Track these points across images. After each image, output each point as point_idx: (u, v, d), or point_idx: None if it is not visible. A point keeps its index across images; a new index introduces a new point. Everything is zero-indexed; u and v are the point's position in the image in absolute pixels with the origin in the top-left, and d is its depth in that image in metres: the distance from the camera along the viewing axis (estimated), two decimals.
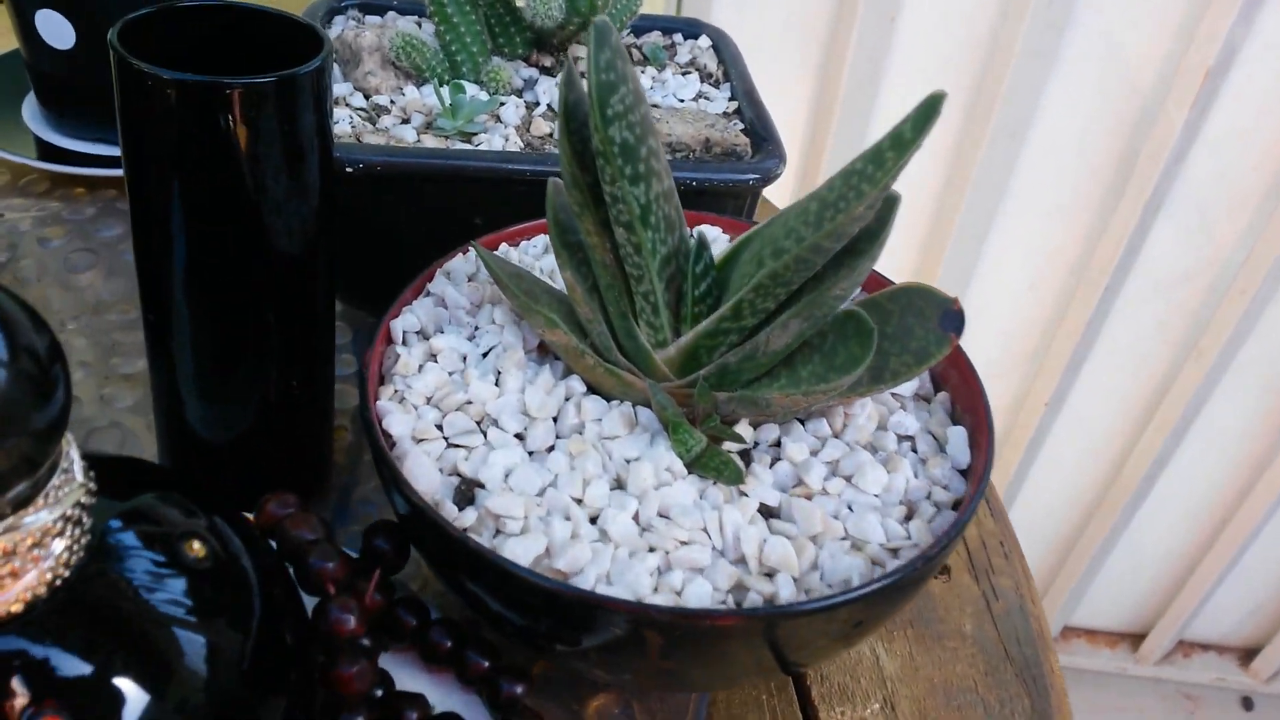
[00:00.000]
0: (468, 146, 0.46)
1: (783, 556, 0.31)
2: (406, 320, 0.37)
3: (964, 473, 0.36)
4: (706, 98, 0.54)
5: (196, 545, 0.25)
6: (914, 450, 0.37)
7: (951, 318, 0.34)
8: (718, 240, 0.45)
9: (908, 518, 0.34)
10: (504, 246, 0.42)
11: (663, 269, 0.32)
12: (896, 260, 1.18)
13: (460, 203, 0.45)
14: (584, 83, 0.28)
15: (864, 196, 0.28)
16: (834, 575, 0.31)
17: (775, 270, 0.30)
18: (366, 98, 0.50)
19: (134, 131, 0.33)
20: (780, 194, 1.17)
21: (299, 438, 0.42)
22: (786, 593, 0.30)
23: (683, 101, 0.53)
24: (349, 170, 0.43)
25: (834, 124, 1.09)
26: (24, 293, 0.55)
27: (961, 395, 0.38)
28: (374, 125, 0.48)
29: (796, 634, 0.30)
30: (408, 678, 0.34)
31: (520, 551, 0.30)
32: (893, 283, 0.41)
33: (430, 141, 0.47)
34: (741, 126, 0.52)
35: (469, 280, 0.39)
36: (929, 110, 0.27)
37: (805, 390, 0.33)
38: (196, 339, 0.37)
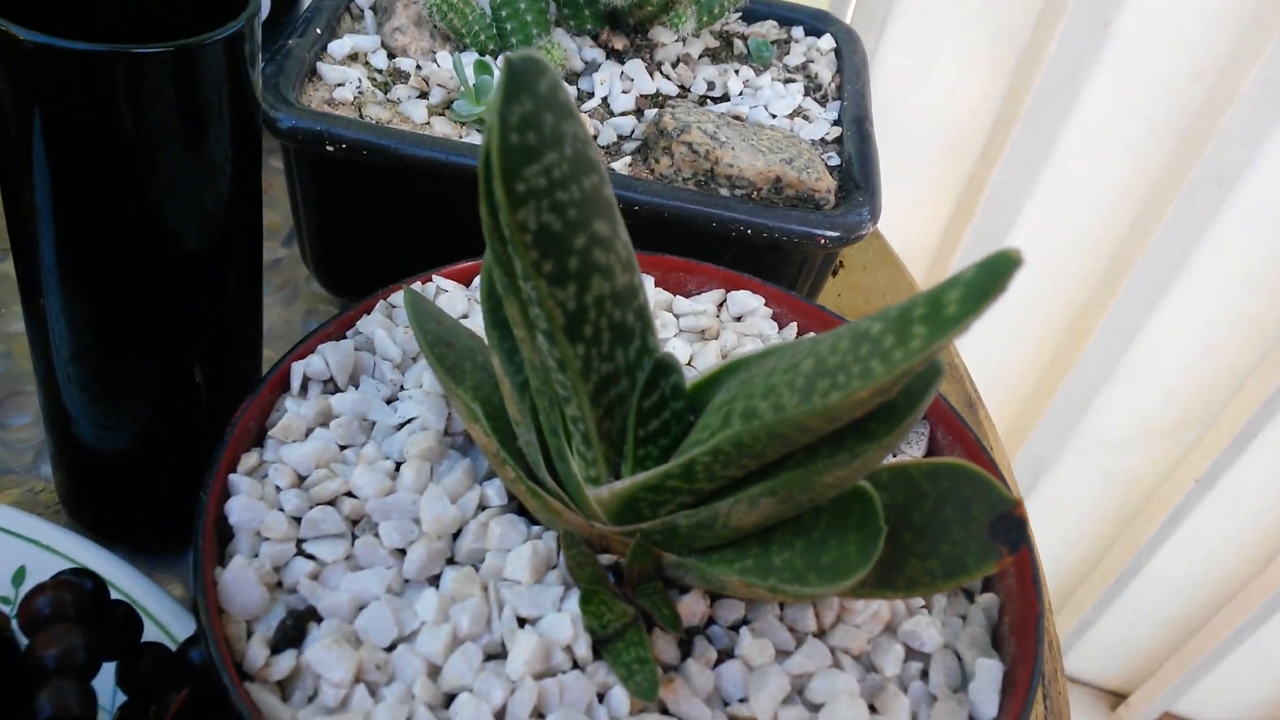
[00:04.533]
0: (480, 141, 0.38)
1: None
2: (313, 364, 0.29)
3: None
4: (805, 116, 0.44)
5: None
6: (924, 676, 0.27)
7: (1009, 524, 0.24)
8: (755, 313, 0.35)
9: None
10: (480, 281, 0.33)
11: (601, 393, 0.23)
12: (1052, 287, 1.04)
13: (458, 203, 0.37)
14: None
15: (871, 379, 0.18)
16: None
17: (739, 439, 0.21)
18: (391, 57, 0.42)
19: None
20: (915, 248, 1.03)
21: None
22: None
23: (775, 118, 0.43)
24: (329, 149, 0.36)
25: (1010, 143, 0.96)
26: None
27: (1015, 608, 0.27)
28: (385, 94, 0.40)
29: None
30: None
31: None
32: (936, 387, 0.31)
33: (441, 127, 0.39)
34: (836, 162, 0.41)
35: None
36: (992, 276, 0.17)
37: (774, 587, 0.24)
38: (77, 338, 0.31)
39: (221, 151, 0.29)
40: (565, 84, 0.21)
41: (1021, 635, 0.27)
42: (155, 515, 0.36)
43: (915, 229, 1.05)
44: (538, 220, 0.20)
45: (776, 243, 0.37)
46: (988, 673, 0.26)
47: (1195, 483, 1.15)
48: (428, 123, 0.39)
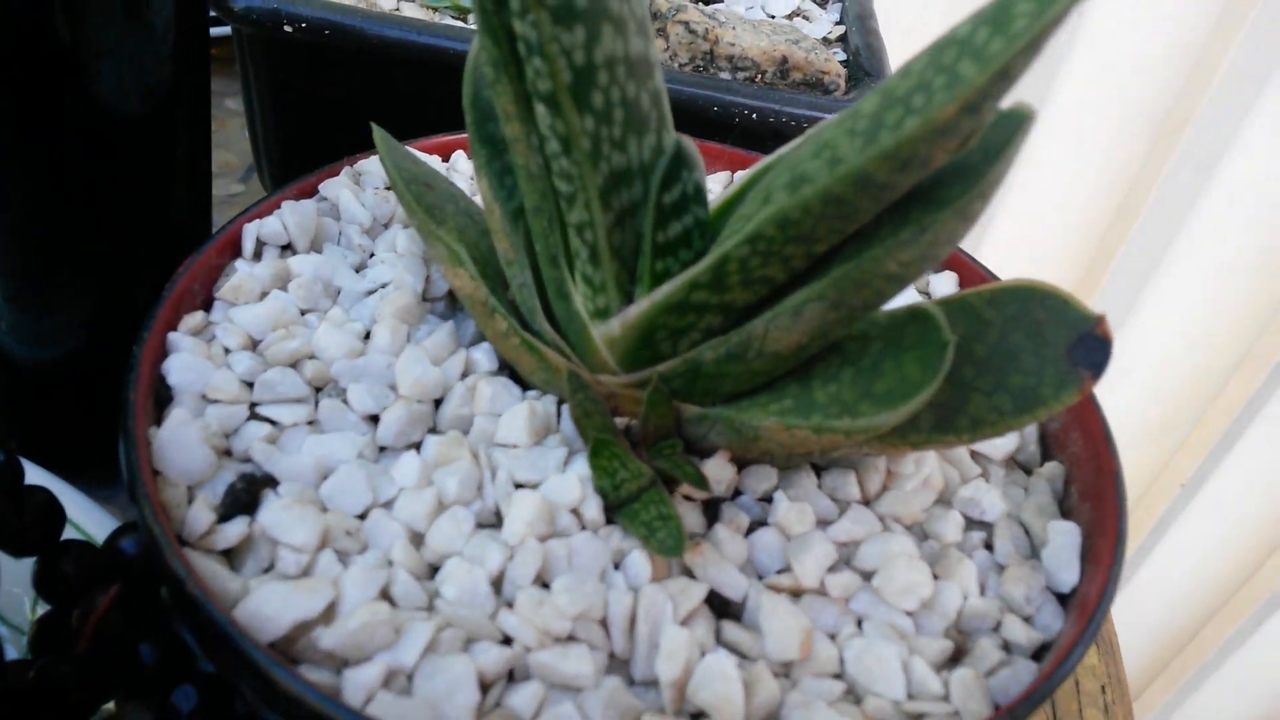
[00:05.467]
0: (458, 24, 0.35)
1: (721, 694, 0.18)
2: (269, 225, 0.25)
3: (1065, 598, 0.22)
4: (805, 17, 0.41)
5: None
6: (988, 548, 0.23)
7: (1090, 347, 0.20)
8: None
9: (953, 659, 0.20)
10: (460, 156, 0.30)
11: (612, 192, 0.19)
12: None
13: (432, 94, 0.33)
14: None
15: (960, 86, 0.15)
16: None
17: (786, 212, 0.17)
18: None
19: None
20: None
21: None
22: None
23: (772, 18, 0.40)
24: (287, 29, 0.32)
25: None
26: None
27: (1084, 474, 0.24)
28: None
29: None
30: None
31: (271, 609, 0.18)
32: (996, 278, 0.28)
33: (410, 10, 0.35)
34: (842, 58, 0.38)
35: (382, 190, 0.28)
36: None
37: (818, 425, 0.20)
38: (5, 232, 0.27)
39: (164, 20, 0.26)
40: None
41: (1096, 499, 0.23)
42: (94, 440, 0.31)
43: None
44: None
45: (783, 128, 0.34)
46: (1064, 536, 0.22)
47: (1182, 486, 1.12)
48: (397, 8, 0.35)
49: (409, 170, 0.24)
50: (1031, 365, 0.21)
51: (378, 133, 0.25)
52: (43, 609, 0.23)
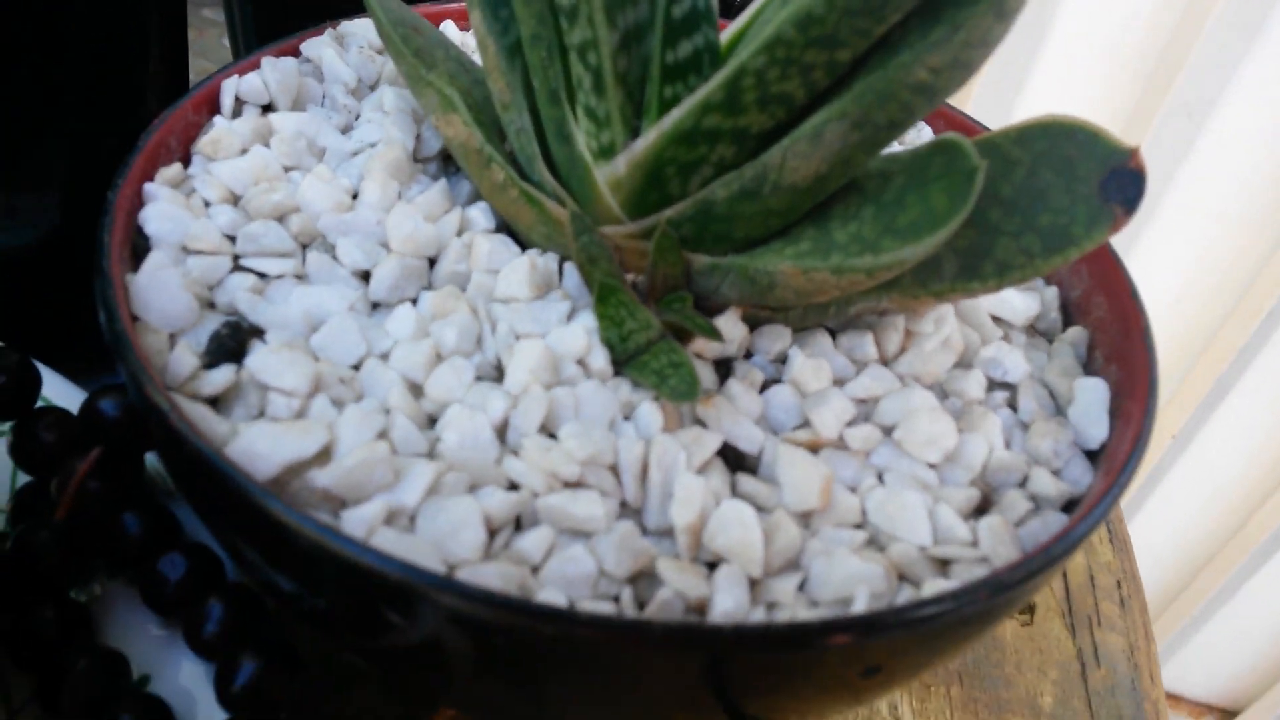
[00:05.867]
0: None
1: (738, 539, 0.17)
2: (249, 83, 0.24)
3: (1093, 456, 0.21)
4: None
5: None
6: (1012, 408, 0.22)
7: (1123, 180, 0.19)
8: None
9: (980, 510, 0.20)
10: (449, 26, 0.28)
11: (616, 3, 0.18)
12: None
13: None
14: None
15: None
16: (825, 587, 0.17)
17: (810, 9, 0.16)
18: None
19: None
20: None
21: None
22: (727, 603, 0.17)
23: None
24: None
25: None
26: None
27: (1110, 335, 0.23)
28: None
29: (742, 676, 0.17)
30: (121, 625, 0.21)
31: (266, 448, 0.17)
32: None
33: None
34: None
35: (368, 50, 0.26)
36: None
37: (838, 265, 0.19)
38: None
39: None
40: None
41: (1124, 360, 0.22)
42: (70, 327, 0.30)
43: None
44: None
45: None
46: (1091, 392, 0.21)
47: (1172, 438, 1.12)
48: None
49: (395, 13, 0.22)
50: (1061, 203, 0.19)
51: None
52: (23, 482, 0.22)
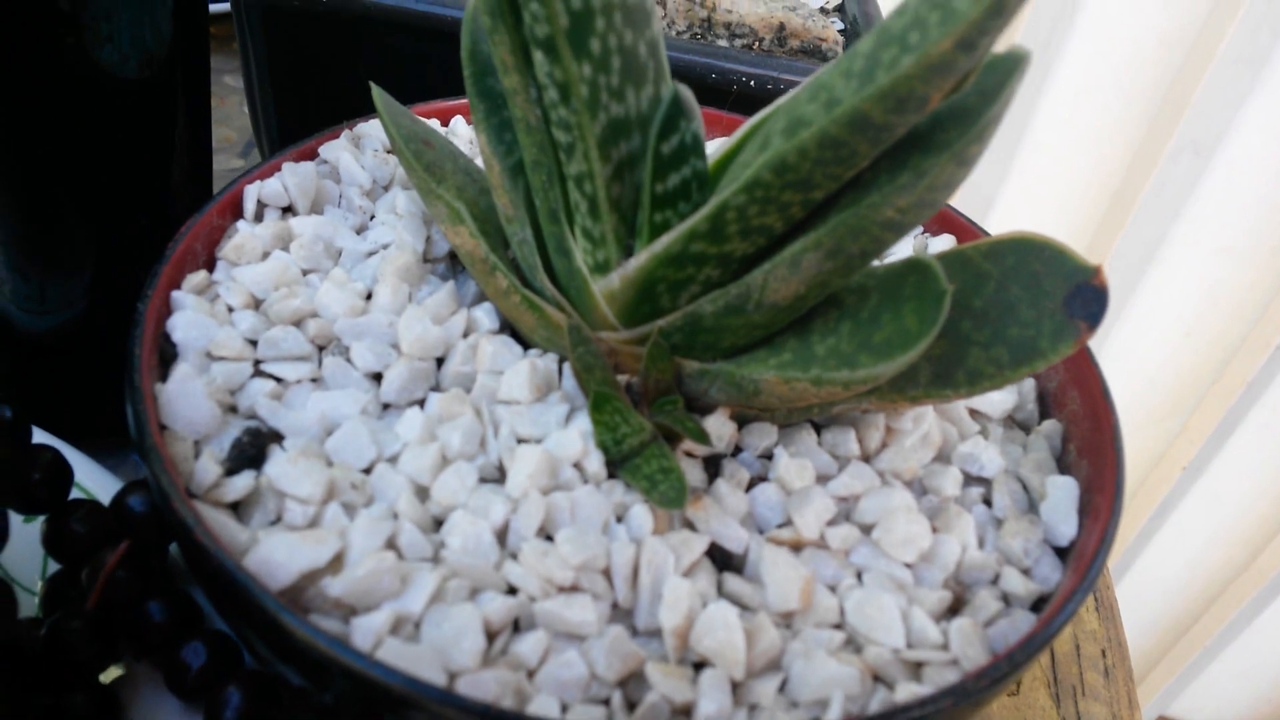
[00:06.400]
0: None
1: (722, 642, 0.18)
2: (270, 187, 0.26)
3: (1063, 552, 0.22)
4: None
5: None
6: (987, 503, 0.23)
7: (1087, 296, 0.20)
8: None
9: (952, 610, 0.21)
10: (459, 121, 0.30)
11: (610, 143, 0.19)
12: None
13: (431, 61, 0.34)
14: None
15: (955, 20, 0.15)
16: (804, 688, 0.18)
17: (783, 157, 0.18)
18: None
19: None
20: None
21: None
22: (710, 708, 0.18)
23: None
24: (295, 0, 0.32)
25: None
26: None
27: (1082, 430, 0.24)
28: None
29: None
30: (147, 708, 0.23)
31: (280, 557, 0.18)
32: (987, 234, 0.28)
33: None
34: (840, 26, 0.38)
35: (381, 152, 0.28)
36: None
37: (817, 377, 0.20)
38: (5, 200, 0.27)
39: None
40: None
41: (1094, 455, 0.23)
42: (97, 408, 0.32)
43: None
44: None
45: (781, 95, 0.34)
46: (1062, 490, 0.23)
47: (1184, 470, 1.12)
48: None
49: (408, 128, 0.24)
50: (1029, 317, 0.21)
51: (376, 92, 0.25)
52: (53, 569, 0.24)
